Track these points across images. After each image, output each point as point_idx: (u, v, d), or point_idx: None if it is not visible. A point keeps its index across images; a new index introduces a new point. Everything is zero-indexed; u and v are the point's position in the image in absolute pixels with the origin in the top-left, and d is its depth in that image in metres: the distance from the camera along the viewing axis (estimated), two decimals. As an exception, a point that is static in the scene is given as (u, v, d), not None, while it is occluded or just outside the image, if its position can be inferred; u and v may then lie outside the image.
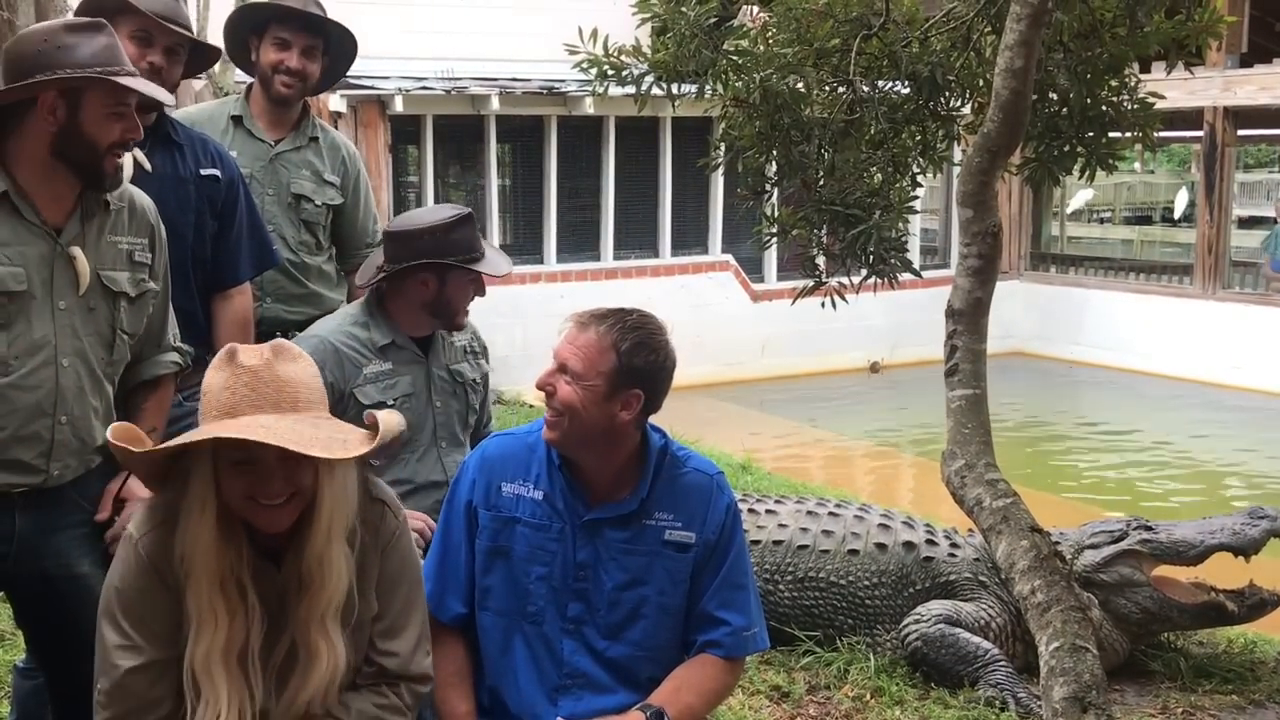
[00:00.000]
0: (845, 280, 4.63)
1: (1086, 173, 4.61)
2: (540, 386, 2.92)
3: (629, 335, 2.88)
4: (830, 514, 5.29)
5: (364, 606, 2.65)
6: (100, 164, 2.91)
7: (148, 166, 3.62)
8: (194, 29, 3.85)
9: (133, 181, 3.26)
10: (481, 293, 3.78)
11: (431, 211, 3.88)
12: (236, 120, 4.45)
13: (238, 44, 4.48)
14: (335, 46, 4.54)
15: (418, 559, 2.85)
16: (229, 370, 2.48)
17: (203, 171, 3.77)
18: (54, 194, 2.93)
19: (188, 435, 2.50)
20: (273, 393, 2.47)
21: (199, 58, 3.95)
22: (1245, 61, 15.19)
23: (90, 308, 2.99)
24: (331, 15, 4.53)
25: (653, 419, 3.03)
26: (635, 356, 2.87)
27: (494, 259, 3.78)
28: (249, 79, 4.60)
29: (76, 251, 2.94)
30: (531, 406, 11.49)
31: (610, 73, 4.42)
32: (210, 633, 2.48)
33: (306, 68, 4.42)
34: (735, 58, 4.41)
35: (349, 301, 4.62)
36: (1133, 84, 4.56)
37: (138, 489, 3.06)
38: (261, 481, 2.45)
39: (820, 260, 4.66)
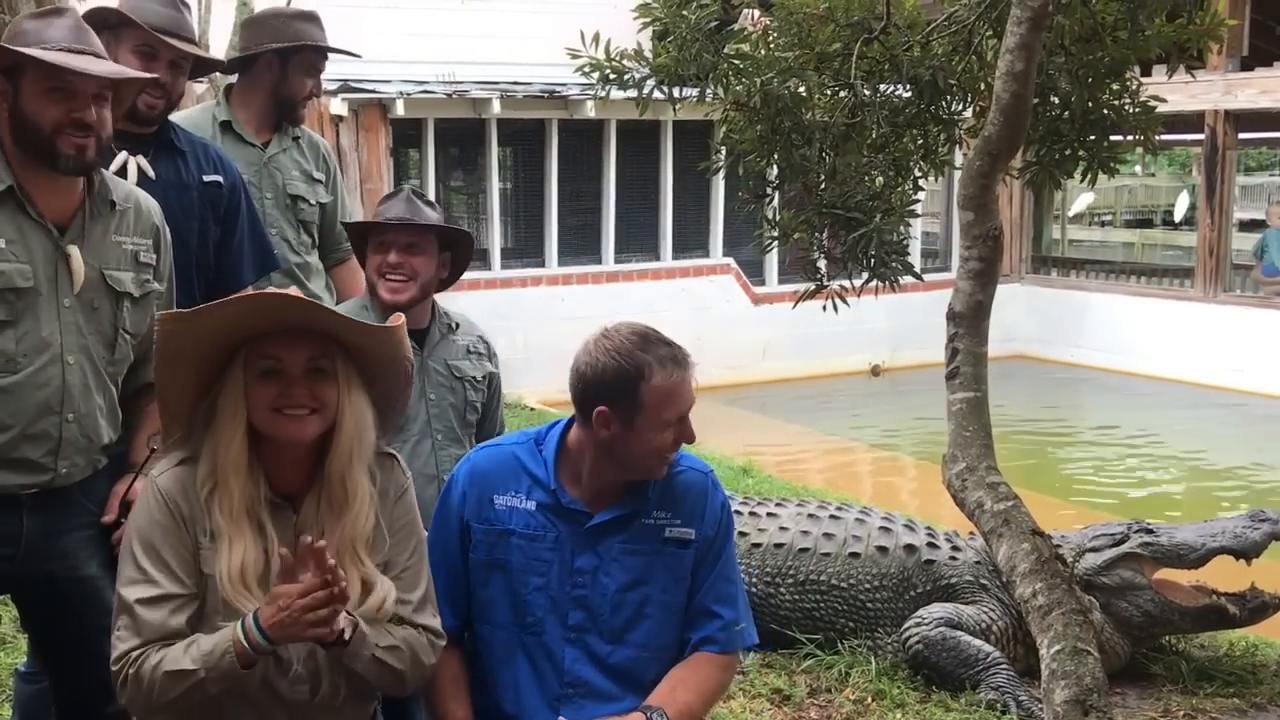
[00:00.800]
0: (846, 283, 4.63)
1: (1088, 176, 4.61)
2: (691, 440, 2.96)
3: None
4: (831, 517, 5.30)
5: (377, 550, 2.72)
6: (52, 145, 2.87)
7: (151, 174, 3.63)
8: (197, 37, 3.87)
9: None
10: (396, 262, 3.66)
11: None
12: (225, 126, 4.48)
13: (246, 51, 4.53)
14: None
15: (420, 517, 2.90)
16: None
17: (205, 178, 3.79)
18: (52, 190, 2.93)
19: (232, 298, 2.64)
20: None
21: (199, 65, 3.98)
22: (1246, 65, 15.17)
23: (94, 306, 3.00)
24: (334, 19, 4.61)
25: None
26: None
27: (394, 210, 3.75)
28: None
29: (73, 250, 2.95)
30: (532, 409, 11.49)
31: (612, 76, 4.42)
32: (241, 548, 2.57)
33: None
34: (736, 61, 4.42)
35: (338, 303, 4.66)
36: (1134, 87, 4.56)
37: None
38: (287, 388, 2.58)
39: (821, 263, 4.67)
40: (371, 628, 2.63)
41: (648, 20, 4.41)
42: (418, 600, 2.77)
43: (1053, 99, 4.49)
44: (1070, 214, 24.22)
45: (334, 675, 2.67)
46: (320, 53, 4.56)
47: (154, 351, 2.65)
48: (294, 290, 2.69)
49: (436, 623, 2.82)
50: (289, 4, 4.61)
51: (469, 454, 3.17)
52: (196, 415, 2.66)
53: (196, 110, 4.78)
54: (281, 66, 4.48)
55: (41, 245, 2.91)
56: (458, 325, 3.88)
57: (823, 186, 4.48)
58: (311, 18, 4.56)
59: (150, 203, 3.20)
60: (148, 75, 3.23)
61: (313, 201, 4.60)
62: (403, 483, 2.83)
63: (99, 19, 3.67)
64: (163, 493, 2.62)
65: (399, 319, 2.74)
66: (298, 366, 2.60)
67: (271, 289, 2.66)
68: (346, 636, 2.56)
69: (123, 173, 3.50)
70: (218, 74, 5.38)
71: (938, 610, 4.96)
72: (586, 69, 4.41)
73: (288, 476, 2.67)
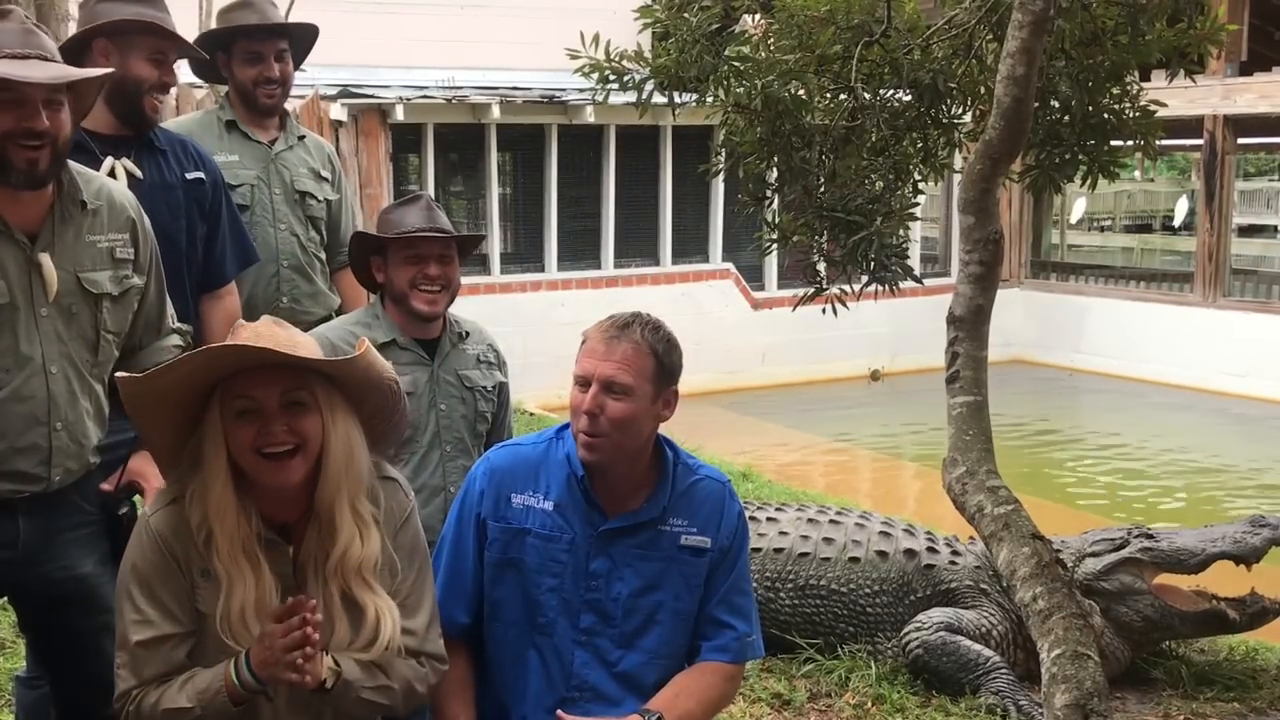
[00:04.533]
0: (846, 287, 4.63)
1: (1088, 180, 4.61)
2: (590, 412, 2.88)
3: (658, 335, 2.94)
4: (831, 522, 5.29)
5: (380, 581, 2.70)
6: (3, 157, 2.79)
7: (138, 174, 3.64)
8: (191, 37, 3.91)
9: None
10: (433, 272, 3.60)
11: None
12: (230, 125, 4.49)
13: (204, 63, 4.47)
14: (297, 41, 4.60)
15: (425, 540, 2.89)
16: (232, 333, 2.61)
17: (189, 175, 3.80)
18: (17, 200, 2.87)
19: (185, 355, 2.59)
20: (269, 340, 2.55)
21: None
22: (1245, 70, 15.19)
23: (72, 311, 2.96)
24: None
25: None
26: (670, 354, 2.95)
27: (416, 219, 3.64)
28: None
29: (44, 258, 2.89)
30: (531, 414, 11.47)
31: (611, 78, 4.41)
32: (240, 590, 2.54)
33: (283, 71, 4.50)
34: (737, 64, 4.41)
35: (340, 307, 4.64)
36: (1134, 92, 4.55)
37: (142, 468, 3.07)
38: (265, 426, 2.52)
39: (821, 267, 4.66)
40: (362, 669, 2.63)
41: (649, 21, 4.41)
42: (422, 628, 2.77)
43: (1053, 103, 4.48)
44: (1073, 220, 24.24)
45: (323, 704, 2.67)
46: (252, 35, 4.41)
47: (125, 405, 2.62)
48: (266, 321, 2.65)
49: (440, 646, 2.82)
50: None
51: (488, 453, 3.17)
52: (182, 456, 2.64)
53: (200, 114, 4.78)
54: (228, 61, 4.47)
55: (13, 257, 2.86)
56: (468, 334, 3.85)
57: (822, 190, 4.47)
58: (246, 3, 4.46)
59: (124, 195, 3.14)
60: (99, 72, 3.11)
61: (320, 198, 4.60)
62: (406, 506, 2.81)
63: (110, 27, 3.68)
64: (156, 533, 2.61)
65: (363, 343, 2.68)
66: (272, 402, 2.55)
67: (232, 341, 2.56)
68: (328, 685, 2.57)
69: (111, 174, 3.50)
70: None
71: (938, 615, 4.95)
72: (586, 70, 4.40)
73: (281, 510, 2.65)
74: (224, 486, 2.56)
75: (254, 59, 4.43)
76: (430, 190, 13.42)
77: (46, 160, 2.83)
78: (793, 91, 4.34)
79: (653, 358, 2.91)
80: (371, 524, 2.66)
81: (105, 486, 3.11)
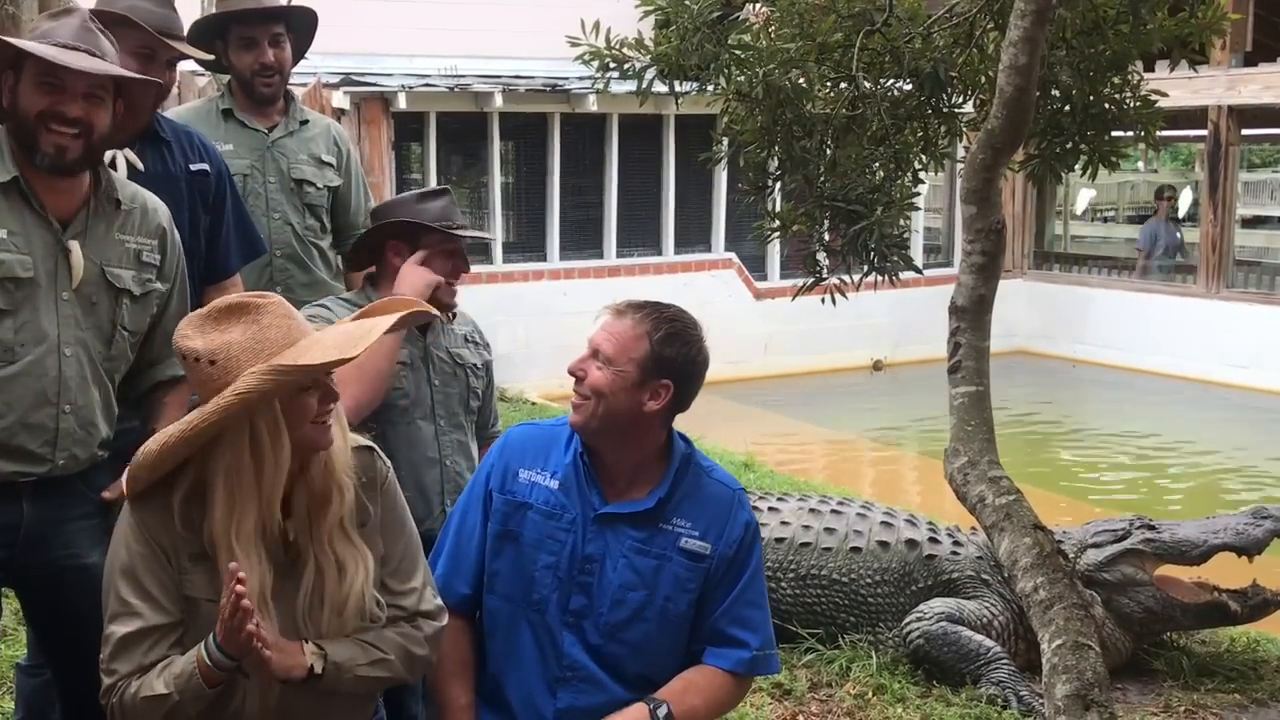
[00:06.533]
0: (845, 278, 4.62)
1: (1089, 170, 4.60)
2: (572, 371, 2.96)
3: (663, 325, 2.94)
4: (833, 512, 5.29)
5: (371, 548, 2.70)
6: (33, 136, 2.88)
7: (140, 166, 3.64)
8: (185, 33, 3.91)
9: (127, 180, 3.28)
10: (464, 267, 3.70)
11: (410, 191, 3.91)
12: (227, 113, 4.48)
13: (205, 50, 4.47)
14: (298, 24, 4.57)
15: (405, 502, 2.89)
16: (251, 317, 2.56)
17: (192, 167, 3.80)
18: (55, 187, 2.96)
19: (298, 361, 2.52)
20: (298, 321, 2.61)
21: None
22: (1250, 60, 15.13)
23: (93, 301, 3.03)
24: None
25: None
26: (667, 346, 2.93)
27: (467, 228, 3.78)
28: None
29: (73, 246, 2.97)
30: (533, 404, 11.48)
31: (611, 65, 4.40)
32: (249, 575, 2.51)
33: (279, 57, 4.47)
34: (738, 52, 4.40)
35: (347, 289, 4.62)
36: (1135, 81, 4.54)
37: None
38: (326, 397, 2.59)
39: (821, 257, 4.65)
40: (353, 647, 2.64)
41: (650, 9, 4.40)
42: (417, 589, 2.78)
43: (1054, 92, 4.47)
44: (1078, 211, 24.20)
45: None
46: (244, 21, 4.41)
47: (241, 397, 2.49)
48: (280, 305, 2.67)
49: (436, 602, 2.82)
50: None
51: (507, 431, 3.21)
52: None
53: (201, 102, 4.78)
54: (225, 49, 4.46)
55: (42, 238, 2.94)
56: (454, 314, 3.88)
57: (823, 179, 4.47)
58: None
59: (158, 205, 3.22)
60: (137, 76, 3.17)
61: (320, 185, 4.57)
62: (384, 472, 2.82)
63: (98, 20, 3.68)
64: (140, 522, 2.60)
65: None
66: (327, 376, 2.61)
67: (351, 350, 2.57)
68: (318, 670, 2.57)
69: (112, 166, 3.50)
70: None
71: (939, 605, 4.95)
72: (586, 57, 4.39)
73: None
74: (285, 473, 2.55)
75: (249, 44, 4.42)
76: (432, 179, 13.40)
77: (77, 151, 2.92)
78: (794, 80, 4.33)
79: (646, 341, 2.91)
80: (350, 473, 2.69)
81: (107, 495, 3.10)
